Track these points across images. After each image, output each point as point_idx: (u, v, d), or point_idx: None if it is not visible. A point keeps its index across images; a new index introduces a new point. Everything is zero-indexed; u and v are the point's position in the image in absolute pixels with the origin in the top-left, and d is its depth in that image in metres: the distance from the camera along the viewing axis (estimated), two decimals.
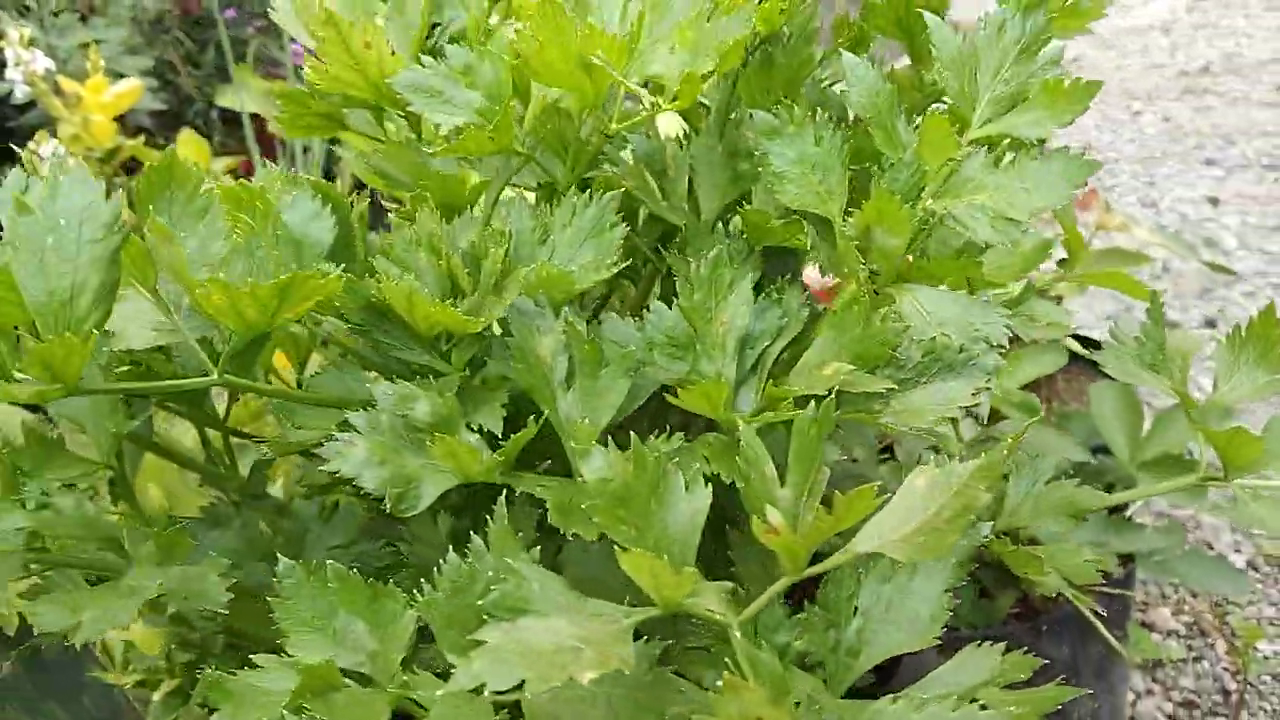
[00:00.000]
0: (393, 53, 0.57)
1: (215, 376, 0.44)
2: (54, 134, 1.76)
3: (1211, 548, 1.50)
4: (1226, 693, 1.29)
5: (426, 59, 0.57)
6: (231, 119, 2.32)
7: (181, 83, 2.51)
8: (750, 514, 0.36)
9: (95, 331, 0.39)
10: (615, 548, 0.42)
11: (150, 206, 0.45)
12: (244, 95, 2.12)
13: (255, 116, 2.19)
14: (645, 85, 0.53)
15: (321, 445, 0.47)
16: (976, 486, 0.35)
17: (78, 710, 0.78)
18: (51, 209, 0.41)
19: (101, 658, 0.82)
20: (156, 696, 0.73)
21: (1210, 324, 1.97)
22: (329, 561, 0.42)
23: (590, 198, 0.54)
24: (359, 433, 0.44)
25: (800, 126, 0.52)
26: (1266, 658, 1.34)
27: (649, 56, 0.53)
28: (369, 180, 0.64)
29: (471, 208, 0.60)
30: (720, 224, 0.61)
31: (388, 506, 0.42)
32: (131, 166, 1.91)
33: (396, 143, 0.57)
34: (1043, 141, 0.51)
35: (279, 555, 0.59)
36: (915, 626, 0.47)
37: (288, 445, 0.51)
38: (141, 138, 1.89)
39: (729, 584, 0.37)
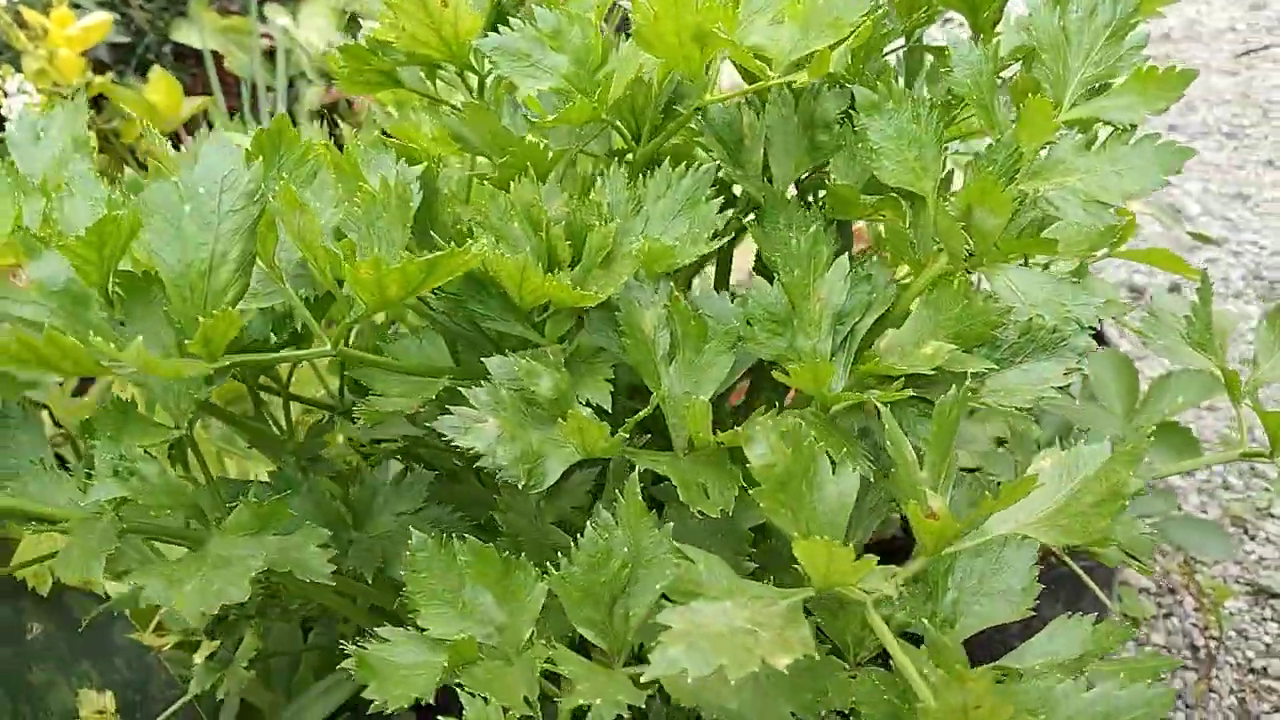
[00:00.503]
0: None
1: (330, 348, 0.44)
2: (18, 69, 1.68)
3: (1180, 509, 1.56)
4: (1195, 648, 1.35)
5: (515, 20, 0.56)
6: (186, 54, 2.24)
7: (134, 14, 2.41)
8: (902, 501, 0.37)
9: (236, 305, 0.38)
10: (739, 529, 0.43)
11: (265, 171, 0.44)
12: (202, 31, 2.04)
13: (215, 53, 2.12)
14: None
15: (417, 413, 0.47)
16: (1122, 471, 0.37)
17: (110, 671, 0.78)
18: (189, 176, 0.39)
19: (134, 620, 0.81)
20: (198, 659, 0.72)
21: (1174, 289, 2.03)
22: (465, 535, 0.42)
23: (685, 169, 0.53)
24: (479, 408, 0.44)
25: (899, 103, 0.52)
26: (1232, 614, 1.40)
27: (748, 27, 0.52)
28: (429, 145, 0.63)
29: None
30: (796, 194, 0.61)
31: (521, 483, 0.42)
32: (99, 104, 1.84)
33: (478, 105, 0.56)
34: (1134, 127, 0.52)
35: (348, 520, 0.59)
36: (1009, 598, 0.48)
37: (377, 414, 0.51)
38: (109, 75, 1.82)
39: (891, 566, 0.38)
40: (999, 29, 0.62)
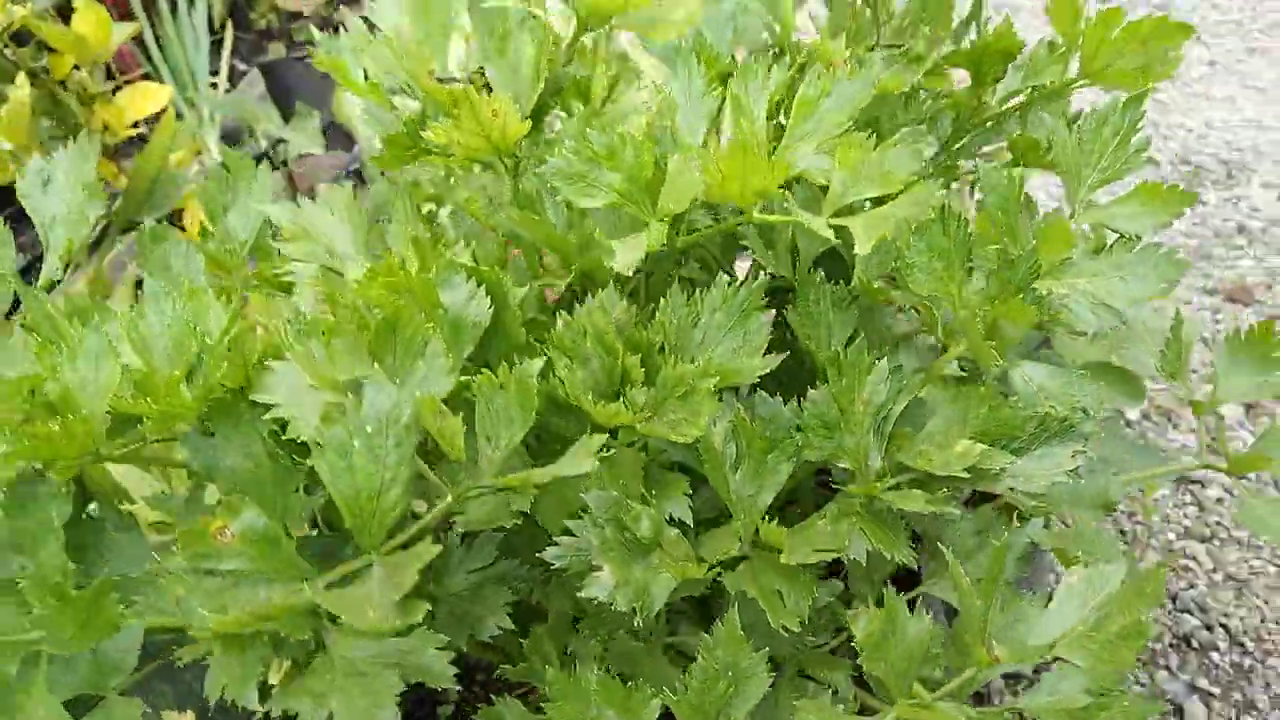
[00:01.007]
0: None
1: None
2: None
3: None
4: (1122, 532, 1.51)
5: (569, 143, 0.59)
6: None
7: None
8: (970, 643, 0.45)
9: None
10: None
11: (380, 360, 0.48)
12: None
13: None
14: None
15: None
16: (1144, 610, 0.45)
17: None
18: (356, 418, 0.44)
19: None
20: None
21: None
22: (596, 673, 0.49)
23: (736, 283, 0.59)
24: (591, 553, 0.50)
25: (930, 220, 0.58)
26: (1156, 500, 1.56)
27: (794, 154, 0.57)
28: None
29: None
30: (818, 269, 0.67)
31: (636, 620, 0.49)
32: (21, 37, 1.75)
33: (535, 219, 0.59)
34: (1138, 237, 0.58)
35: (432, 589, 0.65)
36: None
37: (472, 522, 0.57)
38: (29, 6, 1.72)
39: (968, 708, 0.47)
40: None
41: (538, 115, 0.63)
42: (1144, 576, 0.47)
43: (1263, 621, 1.36)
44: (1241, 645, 1.33)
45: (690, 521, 0.55)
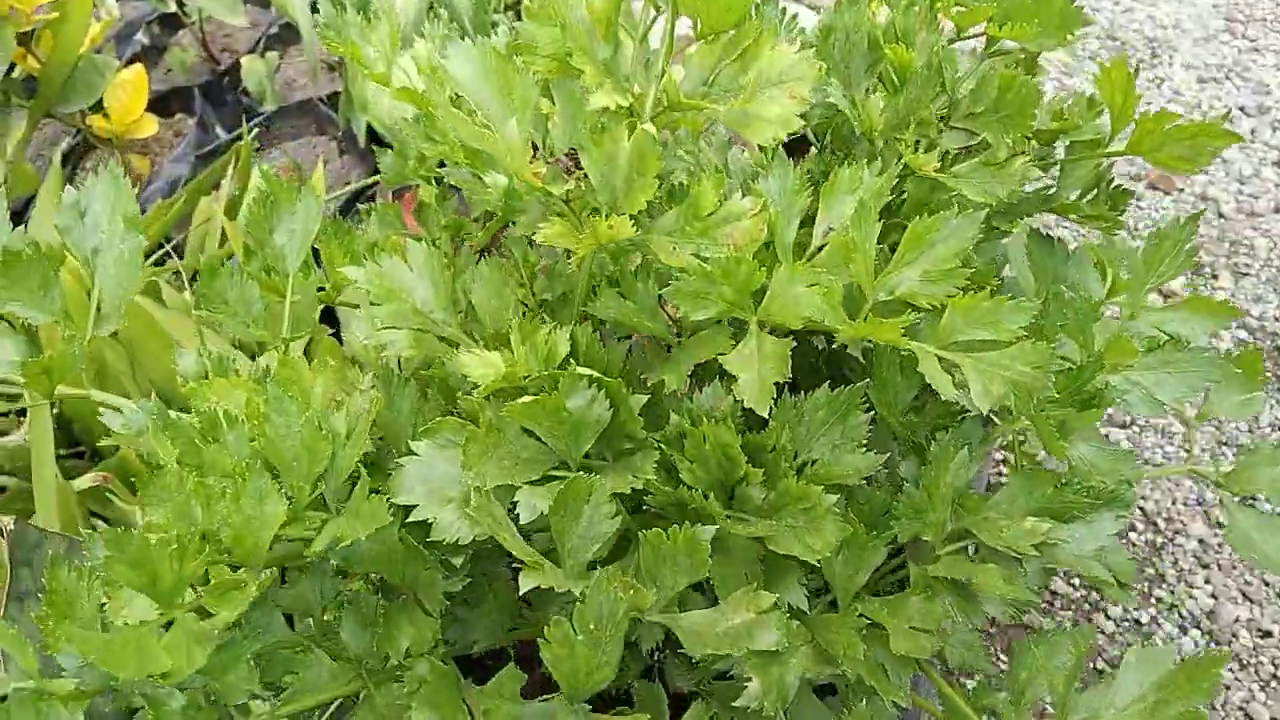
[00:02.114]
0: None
1: None
2: None
3: None
4: None
5: (689, 259, 0.62)
6: None
7: None
8: None
9: None
10: None
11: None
12: None
13: None
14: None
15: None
16: (1200, 699, 0.56)
17: None
18: (581, 615, 0.49)
19: None
20: None
21: None
22: None
23: (837, 389, 0.64)
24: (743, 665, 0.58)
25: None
26: None
27: (899, 279, 0.62)
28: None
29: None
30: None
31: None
32: None
33: (635, 309, 0.64)
34: (1188, 341, 0.66)
35: None
36: None
37: None
38: None
39: None
40: None
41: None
42: (1198, 665, 0.57)
43: (1173, 504, 1.55)
44: (1155, 525, 1.52)
45: (806, 608, 0.63)
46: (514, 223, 0.73)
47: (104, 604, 0.62)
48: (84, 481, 1.24)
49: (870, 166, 0.65)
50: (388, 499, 0.64)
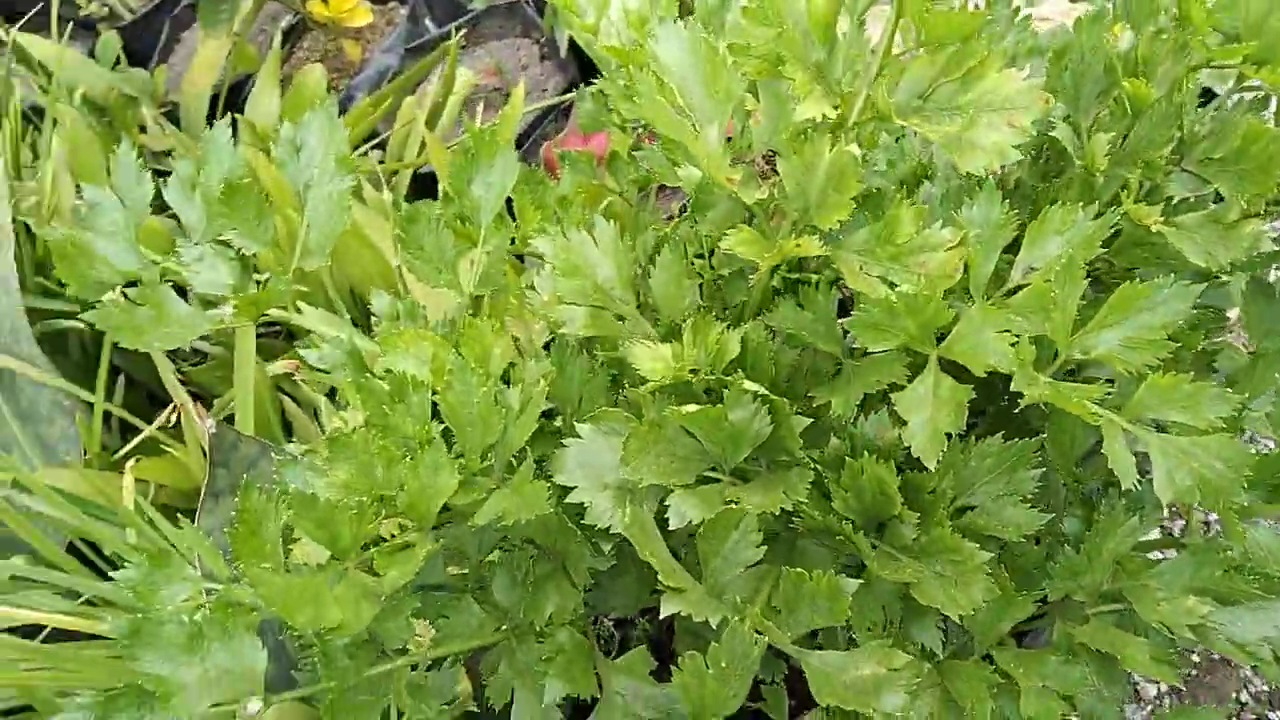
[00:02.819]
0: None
1: None
2: None
3: None
4: None
5: (878, 286, 0.61)
6: None
7: None
8: None
9: None
10: None
11: None
12: None
13: None
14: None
15: None
16: None
17: None
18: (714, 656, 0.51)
19: None
20: None
21: None
22: None
23: (1010, 440, 0.63)
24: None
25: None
26: None
27: (1097, 339, 0.59)
28: None
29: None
30: None
31: None
32: None
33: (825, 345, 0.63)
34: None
35: None
36: None
37: None
38: None
39: None
40: None
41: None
42: None
43: None
44: None
45: (940, 653, 0.63)
46: (700, 217, 0.73)
47: (289, 534, 0.69)
48: (277, 367, 1.35)
49: (1085, 209, 0.61)
50: (548, 475, 0.67)
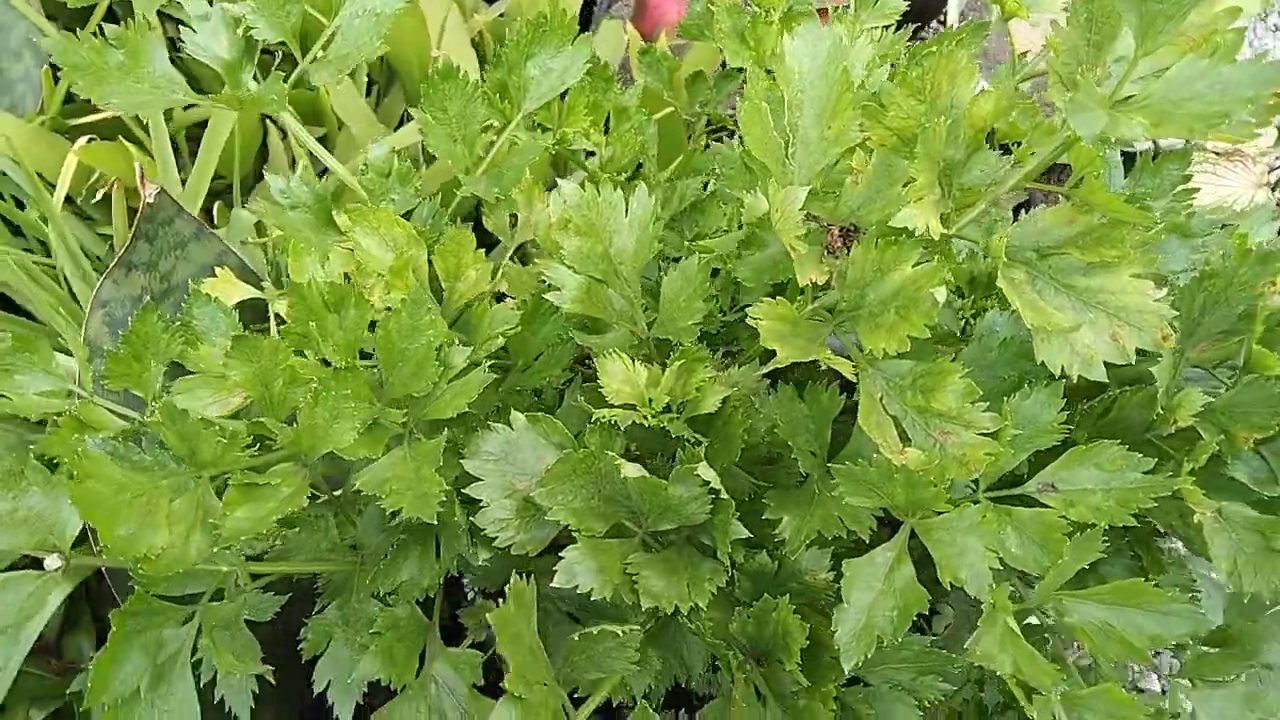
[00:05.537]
0: None
1: None
2: None
3: None
4: None
5: (915, 454, 0.53)
6: None
7: None
8: None
9: None
10: None
11: None
12: None
13: None
14: None
15: None
16: None
17: None
18: None
19: None
20: None
21: None
22: None
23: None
24: None
25: None
26: None
27: (1071, 607, 0.52)
28: None
29: None
30: None
31: None
32: None
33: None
34: None
35: None
36: None
37: None
38: None
39: None
40: None
41: None
42: None
43: None
44: None
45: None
46: (745, 252, 0.63)
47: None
48: None
49: (1142, 458, 0.53)
50: (460, 456, 0.59)
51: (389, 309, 0.59)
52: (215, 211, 1.18)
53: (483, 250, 0.69)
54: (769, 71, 0.60)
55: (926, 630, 0.68)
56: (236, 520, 0.51)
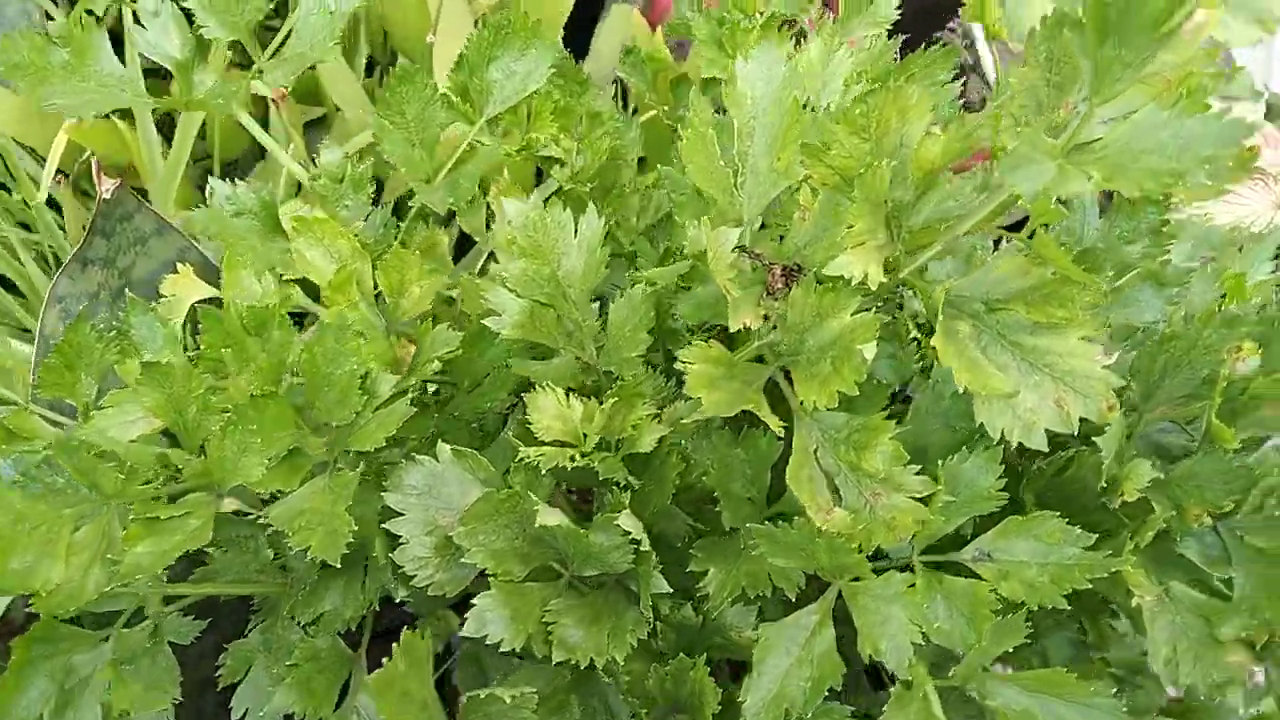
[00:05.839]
0: None
1: None
2: None
3: None
4: None
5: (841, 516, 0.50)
6: None
7: None
8: None
9: None
10: None
11: None
12: None
13: None
14: None
15: None
16: None
17: None
18: None
19: None
20: None
21: None
22: None
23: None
24: None
25: None
26: None
27: (995, 689, 0.49)
28: None
29: None
30: None
31: None
32: None
33: None
34: None
35: None
36: None
37: None
38: None
39: None
40: None
41: None
42: None
43: None
44: None
45: None
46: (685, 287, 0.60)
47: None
48: None
49: (1081, 533, 0.50)
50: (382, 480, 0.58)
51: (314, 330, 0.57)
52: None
53: (431, 266, 0.67)
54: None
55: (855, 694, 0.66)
56: (137, 555, 0.50)
